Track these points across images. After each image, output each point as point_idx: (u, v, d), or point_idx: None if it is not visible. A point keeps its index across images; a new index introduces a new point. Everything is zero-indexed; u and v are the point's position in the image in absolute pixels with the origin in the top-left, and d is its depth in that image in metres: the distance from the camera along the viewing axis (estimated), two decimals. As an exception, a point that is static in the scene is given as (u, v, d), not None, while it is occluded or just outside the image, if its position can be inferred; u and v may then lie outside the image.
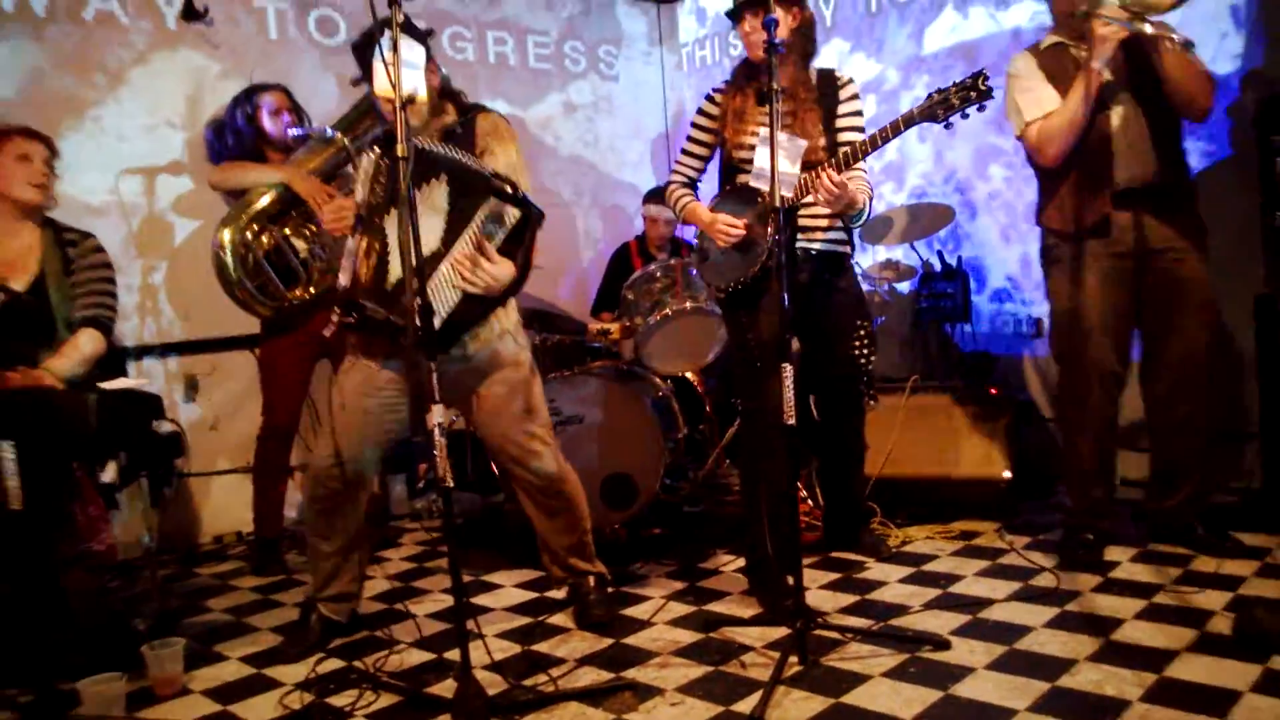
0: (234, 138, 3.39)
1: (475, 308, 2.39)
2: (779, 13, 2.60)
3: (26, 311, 2.56)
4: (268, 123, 3.39)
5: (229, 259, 3.16)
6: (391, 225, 2.28)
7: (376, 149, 2.33)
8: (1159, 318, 2.83)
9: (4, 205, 2.67)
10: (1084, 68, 2.66)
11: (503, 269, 2.32)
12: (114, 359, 2.77)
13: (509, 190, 2.32)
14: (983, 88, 2.43)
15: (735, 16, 2.83)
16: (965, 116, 2.48)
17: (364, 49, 2.45)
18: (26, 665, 2.37)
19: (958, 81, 2.47)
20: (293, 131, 3.31)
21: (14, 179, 2.66)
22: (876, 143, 2.59)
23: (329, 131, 3.19)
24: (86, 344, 2.62)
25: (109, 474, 2.74)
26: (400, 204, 1.97)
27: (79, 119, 3.61)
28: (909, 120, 2.54)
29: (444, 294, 2.30)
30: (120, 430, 2.43)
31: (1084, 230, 2.79)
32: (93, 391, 2.44)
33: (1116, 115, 2.73)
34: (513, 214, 2.34)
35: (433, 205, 2.31)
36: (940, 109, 2.48)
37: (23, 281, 2.61)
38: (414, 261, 1.98)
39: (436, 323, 2.27)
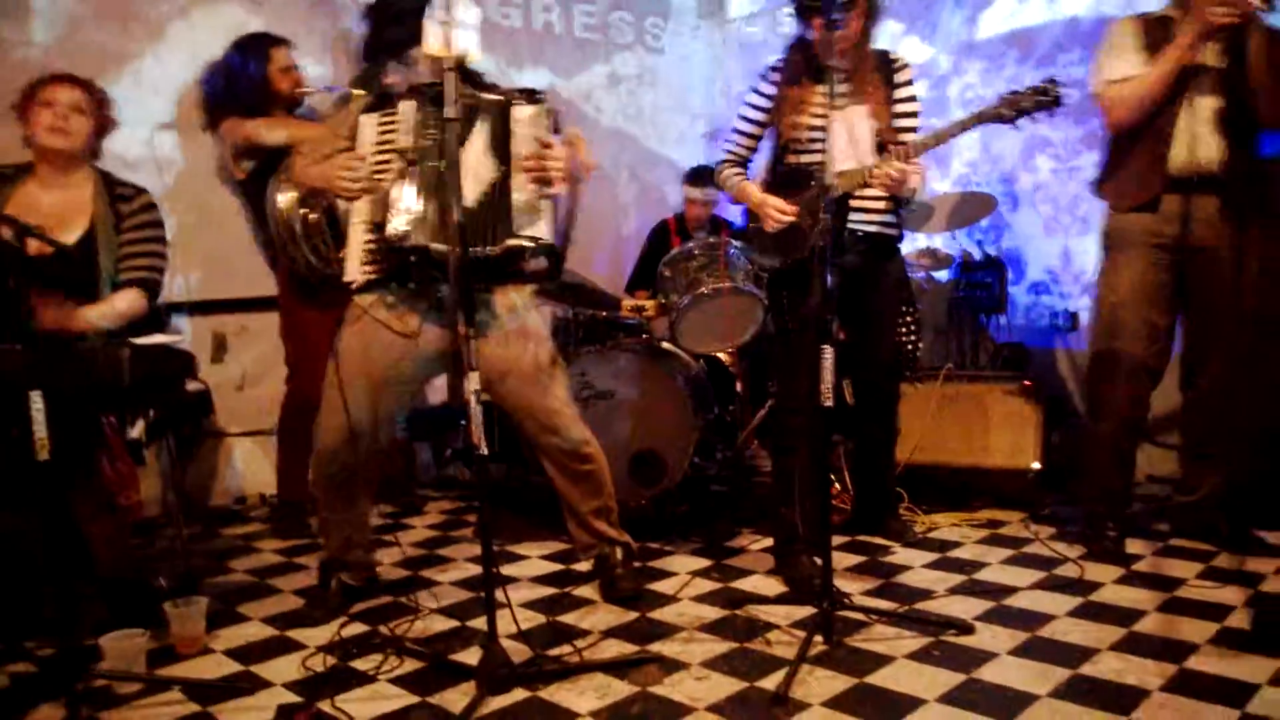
0: (246, 84, 3.30)
1: (567, 208, 2.46)
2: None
3: (71, 266, 2.52)
4: (279, 78, 3.34)
5: (287, 216, 3.12)
6: (446, 168, 2.27)
7: (414, 98, 2.35)
8: (1203, 312, 2.80)
9: (43, 156, 2.64)
10: (1175, 40, 2.61)
11: (561, 150, 2.40)
12: (152, 319, 2.74)
13: (526, 92, 2.43)
14: (1054, 93, 2.43)
15: (804, 15, 2.76)
16: (1034, 120, 2.48)
17: (396, 17, 2.43)
18: (49, 619, 2.36)
19: (1031, 85, 2.47)
20: (322, 90, 3.27)
21: (37, 125, 2.60)
22: (942, 138, 2.57)
23: (338, 89, 3.15)
24: (123, 302, 2.58)
25: (137, 430, 2.74)
26: (449, 166, 1.96)
27: (117, 72, 3.59)
28: (979, 119, 2.52)
29: (535, 202, 2.35)
30: (152, 386, 2.42)
31: (1131, 208, 2.76)
32: (126, 346, 2.42)
33: (1194, 101, 2.67)
34: (542, 109, 2.42)
35: (482, 142, 2.36)
36: (1009, 109, 2.47)
37: (72, 236, 2.57)
38: (458, 219, 1.97)
39: (543, 228, 2.35)
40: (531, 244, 2.36)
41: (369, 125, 2.39)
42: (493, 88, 2.54)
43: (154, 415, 2.73)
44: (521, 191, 2.35)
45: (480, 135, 2.36)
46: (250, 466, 3.98)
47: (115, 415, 2.65)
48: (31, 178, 2.66)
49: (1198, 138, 2.68)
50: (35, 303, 2.10)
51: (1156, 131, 2.70)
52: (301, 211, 3.15)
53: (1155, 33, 2.74)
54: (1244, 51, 2.61)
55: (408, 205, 2.27)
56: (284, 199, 3.15)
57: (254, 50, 3.36)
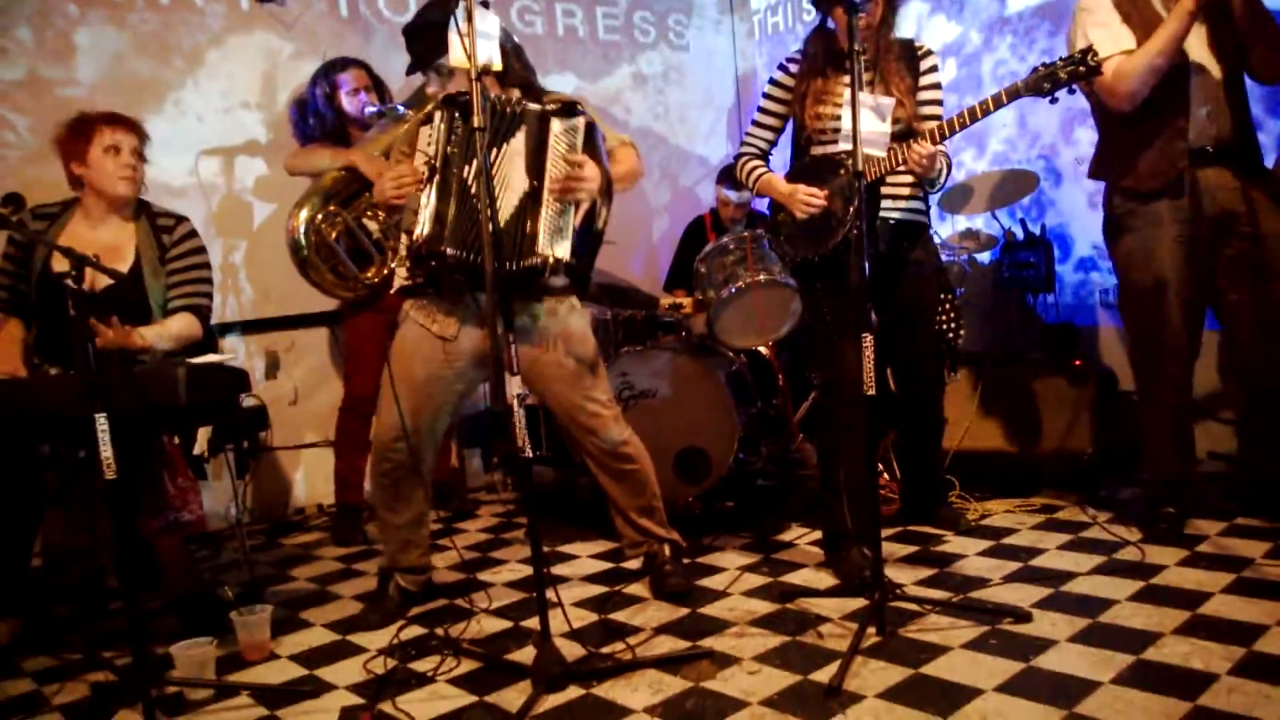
0: (315, 118, 3.44)
1: (594, 226, 2.44)
2: None
3: (124, 294, 2.61)
4: (346, 102, 3.43)
5: (301, 242, 3.23)
6: (472, 176, 2.32)
7: (444, 108, 2.37)
8: (1239, 282, 2.72)
9: (100, 197, 2.70)
10: (1178, 6, 2.54)
11: (593, 169, 2.39)
12: (204, 342, 2.82)
13: (565, 106, 2.40)
14: (1092, 63, 2.40)
15: (823, 5, 2.74)
16: (1072, 92, 2.45)
17: (417, 34, 2.49)
18: (122, 630, 2.46)
19: (1065, 56, 2.44)
20: (369, 109, 3.35)
21: (105, 173, 2.65)
22: (977, 114, 2.53)
23: (401, 109, 3.22)
24: (177, 324, 2.66)
25: (199, 446, 2.82)
26: (479, 175, 1.99)
27: (159, 102, 3.71)
28: (1013, 94, 2.49)
29: (561, 221, 2.36)
30: (208, 403, 2.49)
31: (1156, 190, 2.69)
32: (182, 366, 2.50)
33: (1195, 69, 2.62)
34: (578, 124, 2.40)
35: (516, 152, 2.38)
36: (1046, 83, 2.44)
37: (121, 266, 2.66)
38: (490, 228, 2.00)
39: (564, 249, 2.34)
40: (550, 262, 2.35)
41: (422, 136, 2.44)
42: (541, 96, 2.56)
43: (212, 431, 2.83)
44: (549, 208, 2.36)
45: (519, 146, 2.38)
46: (307, 478, 4.08)
47: (176, 433, 2.74)
48: (76, 213, 2.73)
49: (1208, 107, 2.62)
50: (93, 324, 2.17)
51: (1168, 107, 2.63)
52: (316, 235, 3.23)
53: (1129, 3, 2.67)
54: (1224, 9, 2.57)
55: (430, 212, 2.31)
56: (293, 224, 3.23)
57: (321, 77, 3.47)
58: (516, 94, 2.57)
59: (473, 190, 2.30)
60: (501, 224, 2.31)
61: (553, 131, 2.38)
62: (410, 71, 2.63)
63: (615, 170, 2.57)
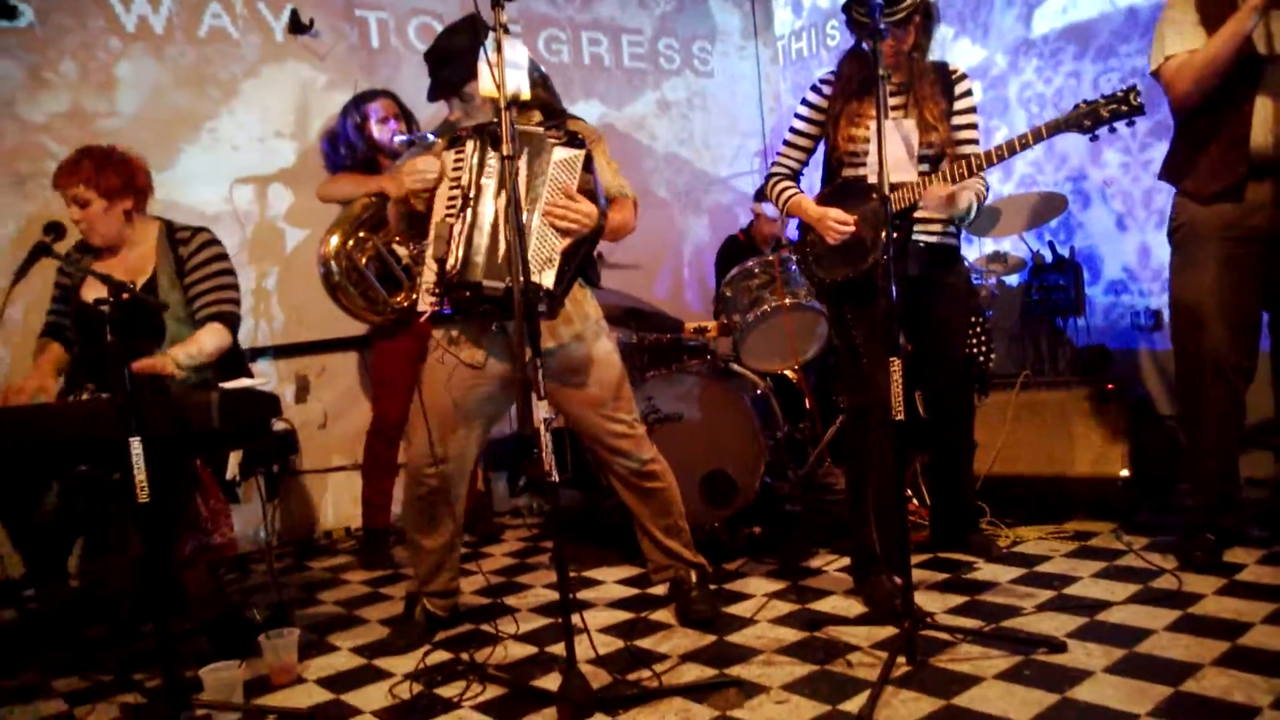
0: (346, 148, 3.51)
1: (578, 259, 2.41)
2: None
3: (143, 310, 2.63)
4: (376, 131, 3.50)
5: (332, 267, 3.27)
6: (503, 207, 2.31)
7: (476, 137, 2.40)
8: None
9: None
10: (1243, 8, 2.49)
11: (588, 205, 2.37)
12: (235, 360, 2.86)
13: (564, 136, 2.39)
14: (1134, 102, 2.37)
15: (856, 29, 2.74)
16: (1113, 130, 2.43)
17: (440, 60, 2.51)
18: (153, 652, 2.48)
19: (1106, 94, 2.41)
20: (399, 138, 3.41)
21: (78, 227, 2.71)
22: (1015, 148, 2.51)
23: (430, 137, 3.27)
24: (208, 338, 2.69)
25: (230, 469, 2.85)
26: (509, 204, 2.01)
27: (196, 132, 3.78)
28: (1053, 129, 2.46)
29: (547, 244, 2.35)
30: (240, 428, 2.52)
31: (1215, 193, 2.64)
32: (215, 390, 2.53)
33: (1267, 77, 2.55)
34: (578, 156, 2.38)
35: (521, 179, 2.36)
36: (1087, 119, 2.42)
37: (138, 282, 2.71)
38: (522, 256, 2.00)
39: (550, 278, 2.30)
40: (539, 289, 2.31)
41: (448, 162, 2.47)
42: (563, 118, 2.57)
43: (244, 455, 2.85)
44: (542, 236, 2.34)
45: (521, 171, 2.36)
46: (335, 501, 4.11)
47: (207, 457, 2.78)
48: None
49: (1274, 117, 2.54)
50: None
51: (1234, 112, 2.59)
52: (346, 260, 3.27)
53: (1216, 6, 2.61)
54: None
55: (463, 243, 2.33)
56: (324, 251, 3.28)
57: (352, 108, 3.54)
58: (538, 116, 2.59)
59: (501, 221, 2.31)
60: (502, 249, 2.31)
61: (554, 160, 2.37)
62: (432, 98, 2.65)
63: (611, 218, 2.54)
